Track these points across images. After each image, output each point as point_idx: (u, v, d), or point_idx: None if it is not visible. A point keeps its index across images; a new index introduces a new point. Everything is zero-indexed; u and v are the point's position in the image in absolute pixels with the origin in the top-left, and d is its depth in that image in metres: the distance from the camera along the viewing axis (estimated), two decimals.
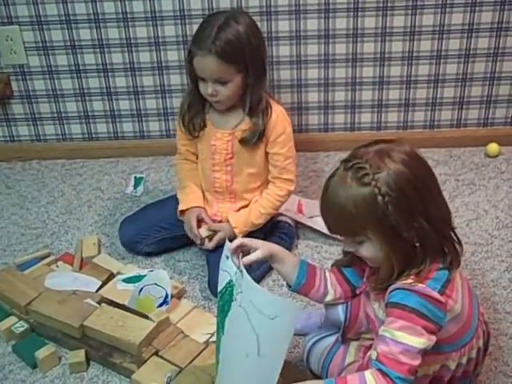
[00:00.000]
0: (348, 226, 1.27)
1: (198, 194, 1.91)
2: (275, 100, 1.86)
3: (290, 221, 2.04)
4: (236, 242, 1.34)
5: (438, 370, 1.33)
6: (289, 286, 1.47)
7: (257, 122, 1.77)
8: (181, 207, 1.89)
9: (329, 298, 1.47)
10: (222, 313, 1.34)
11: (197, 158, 1.92)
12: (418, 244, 1.25)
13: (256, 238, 1.87)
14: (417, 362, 1.22)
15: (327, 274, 1.48)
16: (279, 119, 1.80)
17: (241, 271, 1.28)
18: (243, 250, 1.36)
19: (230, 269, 1.32)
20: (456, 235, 1.33)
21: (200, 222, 1.87)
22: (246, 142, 1.80)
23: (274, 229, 1.97)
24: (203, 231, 1.86)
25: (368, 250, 1.29)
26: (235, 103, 1.79)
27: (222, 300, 1.34)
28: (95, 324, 1.62)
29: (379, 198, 1.22)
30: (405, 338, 1.22)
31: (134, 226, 1.97)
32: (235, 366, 1.32)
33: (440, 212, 1.28)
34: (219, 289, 1.36)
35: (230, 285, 1.32)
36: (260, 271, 1.84)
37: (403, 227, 1.23)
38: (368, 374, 1.22)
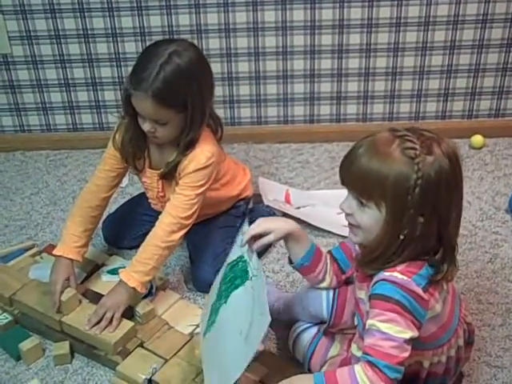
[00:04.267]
0: (369, 185, 1.22)
1: (81, 241, 1.72)
2: (211, 137, 1.71)
3: (275, 210, 2.03)
4: (251, 232, 1.36)
5: (411, 365, 1.32)
6: (290, 261, 1.48)
7: (176, 157, 1.66)
8: (56, 250, 1.70)
9: (323, 284, 1.48)
10: (231, 284, 1.35)
11: (117, 184, 1.80)
12: (406, 231, 1.22)
13: (232, 223, 1.87)
14: (406, 354, 1.21)
15: (329, 262, 1.47)
16: (196, 158, 1.65)
17: (258, 257, 1.34)
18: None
19: (241, 244, 1.36)
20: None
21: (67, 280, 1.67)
22: (167, 177, 1.71)
23: (252, 214, 1.95)
24: (65, 294, 1.61)
25: (367, 218, 1.24)
26: (173, 139, 1.67)
27: (233, 272, 1.35)
28: (72, 321, 1.60)
29: (414, 177, 1.19)
30: (391, 330, 1.21)
31: (116, 223, 1.95)
32: (228, 337, 1.33)
33: (454, 221, 1.27)
34: (228, 260, 1.38)
35: (242, 260, 1.35)
36: None
37: (412, 215, 1.21)
38: (357, 367, 1.21)
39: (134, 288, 1.61)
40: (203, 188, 1.67)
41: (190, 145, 1.65)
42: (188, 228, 1.69)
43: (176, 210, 1.66)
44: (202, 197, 1.69)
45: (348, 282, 1.50)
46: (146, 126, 1.62)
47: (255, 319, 1.27)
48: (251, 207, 1.97)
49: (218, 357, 1.35)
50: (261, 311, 1.26)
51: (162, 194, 1.77)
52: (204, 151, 1.66)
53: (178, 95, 1.57)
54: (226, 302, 1.37)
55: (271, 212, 2.01)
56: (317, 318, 1.50)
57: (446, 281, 1.31)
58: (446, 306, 1.32)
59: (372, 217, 1.24)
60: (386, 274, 1.25)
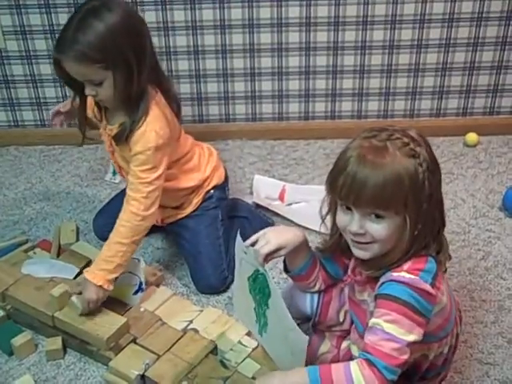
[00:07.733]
0: (387, 196, 1.19)
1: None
2: (165, 115, 1.65)
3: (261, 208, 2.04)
4: (264, 251, 1.32)
5: (417, 358, 1.32)
6: (286, 269, 1.45)
7: (127, 123, 1.61)
8: None
9: (313, 290, 1.47)
10: (263, 294, 1.36)
11: None
12: (420, 226, 1.23)
13: (214, 217, 1.85)
14: (406, 356, 1.20)
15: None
16: (144, 137, 1.59)
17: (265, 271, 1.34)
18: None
19: (251, 261, 1.34)
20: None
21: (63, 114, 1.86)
22: (117, 140, 1.65)
23: (232, 211, 1.94)
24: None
25: (385, 228, 1.22)
26: (119, 101, 1.62)
27: (259, 283, 1.36)
28: (65, 316, 1.60)
29: (420, 170, 1.20)
30: (395, 331, 1.19)
31: (105, 216, 1.93)
32: (280, 340, 1.38)
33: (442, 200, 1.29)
34: (246, 274, 1.38)
35: (259, 273, 1.34)
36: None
37: (425, 208, 1.21)
38: (353, 365, 1.19)
39: (100, 286, 1.57)
40: (157, 173, 1.61)
41: (136, 108, 1.59)
42: (152, 219, 1.65)
43: (133, 203, 1.61)
44: (160, 183, 1.63)
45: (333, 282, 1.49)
46: (87, 91, 1.58)
47: (289, 335, 1.32)
48: (226, 196, 1.92)
49: (282, 348, 1.39)
50: (289, 327, 1.30)
51: (111, 149, 1.74)
52: (152, 130, 1.60)
53: (99, 53, 1.50)
54: (268, 308, 1.37)
55: (250, 208, 2.01)
56: (303, 315, 1.49)
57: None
58: (448, 298, 1.32)
59: (390, 225, 1.22)
60: (394, 274, 1.24)
